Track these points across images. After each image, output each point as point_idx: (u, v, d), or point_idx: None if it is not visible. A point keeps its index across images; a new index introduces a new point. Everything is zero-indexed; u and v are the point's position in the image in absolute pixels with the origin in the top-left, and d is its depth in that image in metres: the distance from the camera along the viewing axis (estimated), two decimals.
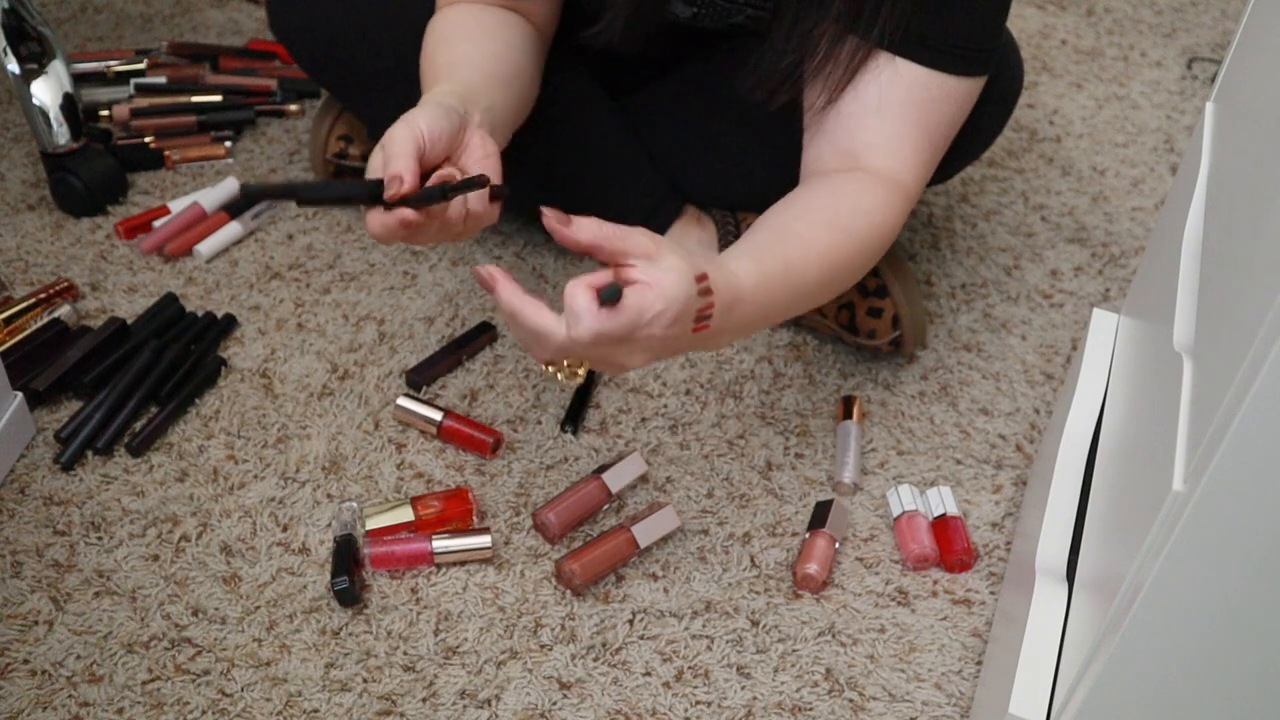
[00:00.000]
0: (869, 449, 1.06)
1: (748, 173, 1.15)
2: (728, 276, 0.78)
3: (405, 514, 0.95)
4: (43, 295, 1.14)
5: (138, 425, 1.03)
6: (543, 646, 0.89)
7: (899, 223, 0.92)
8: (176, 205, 1.27)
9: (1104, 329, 0.95)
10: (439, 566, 0.94)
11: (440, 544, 0.93)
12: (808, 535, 0.96)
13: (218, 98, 1.43)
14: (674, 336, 0.74)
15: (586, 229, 0.74)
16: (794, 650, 0.90)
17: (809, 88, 0.94)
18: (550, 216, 0.74)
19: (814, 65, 0.92)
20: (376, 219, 0.81)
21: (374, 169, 0.81)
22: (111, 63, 1.48)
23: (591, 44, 0.97)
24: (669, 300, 0.72)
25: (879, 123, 0.91)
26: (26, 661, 0.86)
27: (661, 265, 0.73)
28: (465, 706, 0.85)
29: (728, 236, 1.15)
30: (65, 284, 1.16)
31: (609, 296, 0.71)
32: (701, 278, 0.74)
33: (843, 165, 0.93)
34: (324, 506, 0.98)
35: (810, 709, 0.86)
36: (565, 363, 0.79)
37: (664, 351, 0.76)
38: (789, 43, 0.92)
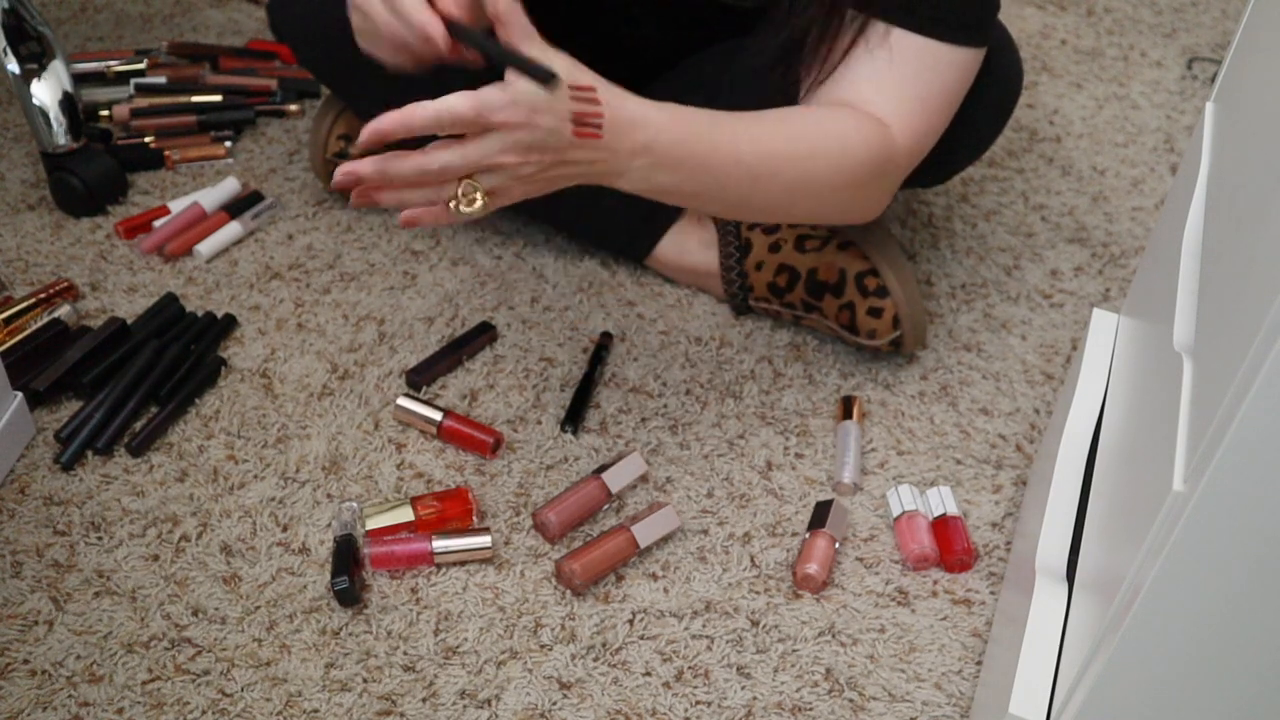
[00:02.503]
0: (869, 449, 1.06)
1: None
2: (629, 99, 0.82)
3: (405, 514, 0.95)
4: (43, 295, 1.14)
5: (138, 425, 1.03)
6: (543, 646, 0.89)
7: (872, 159, 0.91)
8: (176, 205, 1.27)
9: (1104, 329, 0.95)
10: (439, 566, 0.94)
11: (440, 544, 0.93)
12: (808, 535, 0.96)
13: (218, 98, 1.43)
14: (547, 135, 0.77)
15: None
16: (794, 650, 0.90)
17: (806, 64, 0.95)
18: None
19: (812, 39, 0.92)
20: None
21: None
22: (111, 63, 1.48)
23: (621, 38, 0.98)
24: (518, 93, 0.76)
25: (871, 84, 0.92)
26: (26, 661, 0.86)
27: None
28: (465, 706, 0.85)
29: (728, 238, 1.15)
30: (65, 284, 1.16)
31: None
32: (585, 87, 0.78)
33: None
34: (324, 506, 0.98)
35: (810, 709, 0.86)
36: (460, 192, 0.81)
37: (547, 158, 0.79)
38: (789, 15, 0.93)
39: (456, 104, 0.76)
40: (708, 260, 1.17)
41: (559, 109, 0.78)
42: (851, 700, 0.87)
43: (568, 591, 0.93)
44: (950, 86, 0.94)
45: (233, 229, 1.24)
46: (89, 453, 1.01)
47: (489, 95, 0.77)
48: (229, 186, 1.30)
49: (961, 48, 0.93)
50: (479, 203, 0.81)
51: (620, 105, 0.81)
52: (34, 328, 1.10)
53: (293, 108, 1.44)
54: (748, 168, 0.87)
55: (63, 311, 1.12)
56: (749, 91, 1.01)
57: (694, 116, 0.86)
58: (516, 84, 0.77)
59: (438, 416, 1.03)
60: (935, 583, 0.95)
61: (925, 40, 0.91)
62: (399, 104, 1.16)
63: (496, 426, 1.05)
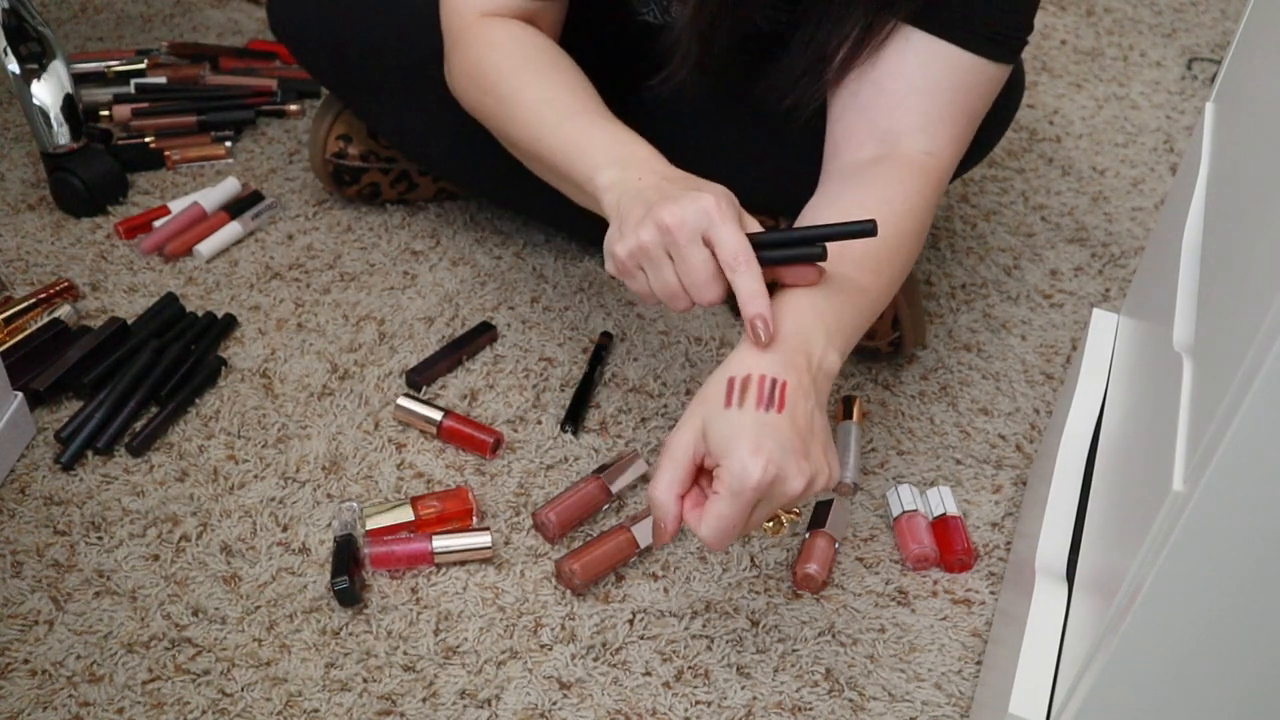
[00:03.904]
0: (869, 449, 1.06)
1: (756, 174, 1.14)
2: (790, 354, 0.78)
3: (405, 514, 0.95)
4: (43, 295, 1.14)
5: (138, 425, 1.03)
6: (543, 646, 0.89)
7: (932, 208, 0.92)
8: (177, 205, 1.27)
9: (1104, 329, 0.95)
10: (439, 566, 0.94)
11: (440, 544, 0.93)
12: (808, 535, 0.96)
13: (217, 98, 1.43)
14: (772, 430, 0.73)
15: (668, 510, 0.75)
16: (794, 650, 0.90)
17: (835, 78, 0.93)
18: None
19: (844, 53, 0.91)
20: None
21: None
22: (111, 63, 1.48)
23: (658, 94, 0.97)
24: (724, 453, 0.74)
25: (921, 103, 0.90)
26: (27, 661, 0.86)
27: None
28: (465, 706, 0.85)
29: None
30: (65, 284, 1.16)
31: None
32: (737, 382, 0.75)
33: (877, 149, 0.91)
34: (324, 506, 0.98)
35: (810, 709, 0.86)
36: (767, 522, 0.79)
37: (795, 439, 0.75)
38: (819, 30, 0.92)
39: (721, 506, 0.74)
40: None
41: (732, 423, 0.74)
42: (851, 700, 0.87)
43: (568, 591, 0.93)
44: (987, 102, 0.94)
45: (233, 229, 1.24)
46: (89, 453, 1.01)
47: (733, 473, 0.73)
48: (229, 186, 1.30)
49: (1001, 65, 0.92)
50: (784, 518, 0.80)
51: (791, 362, 0.78)
52: (34, 328, 1.10)
53: (293, 108, 1.44)
54: (875, 294, 0.86)
55: (63, 311, 1.12)
56: (764, 118, 1.00)
57: (815, 293, 0.82)
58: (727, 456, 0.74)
59: (438, 416, 1.03)
60: (935, 583, 0.95)
61: (974, 57, 0.90)
62: (399, 107, 1.15)
63: (496, 426, 1.05)
